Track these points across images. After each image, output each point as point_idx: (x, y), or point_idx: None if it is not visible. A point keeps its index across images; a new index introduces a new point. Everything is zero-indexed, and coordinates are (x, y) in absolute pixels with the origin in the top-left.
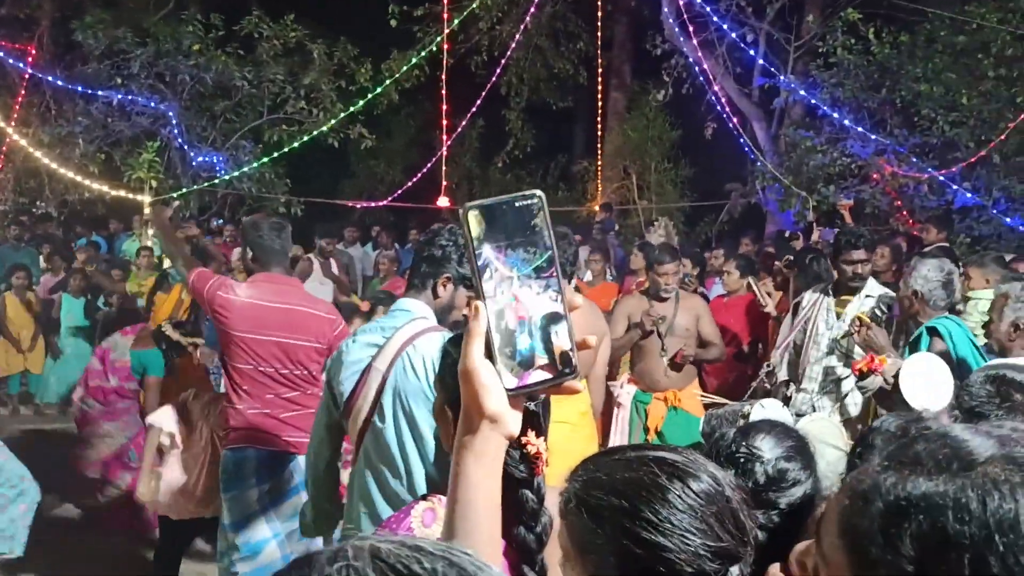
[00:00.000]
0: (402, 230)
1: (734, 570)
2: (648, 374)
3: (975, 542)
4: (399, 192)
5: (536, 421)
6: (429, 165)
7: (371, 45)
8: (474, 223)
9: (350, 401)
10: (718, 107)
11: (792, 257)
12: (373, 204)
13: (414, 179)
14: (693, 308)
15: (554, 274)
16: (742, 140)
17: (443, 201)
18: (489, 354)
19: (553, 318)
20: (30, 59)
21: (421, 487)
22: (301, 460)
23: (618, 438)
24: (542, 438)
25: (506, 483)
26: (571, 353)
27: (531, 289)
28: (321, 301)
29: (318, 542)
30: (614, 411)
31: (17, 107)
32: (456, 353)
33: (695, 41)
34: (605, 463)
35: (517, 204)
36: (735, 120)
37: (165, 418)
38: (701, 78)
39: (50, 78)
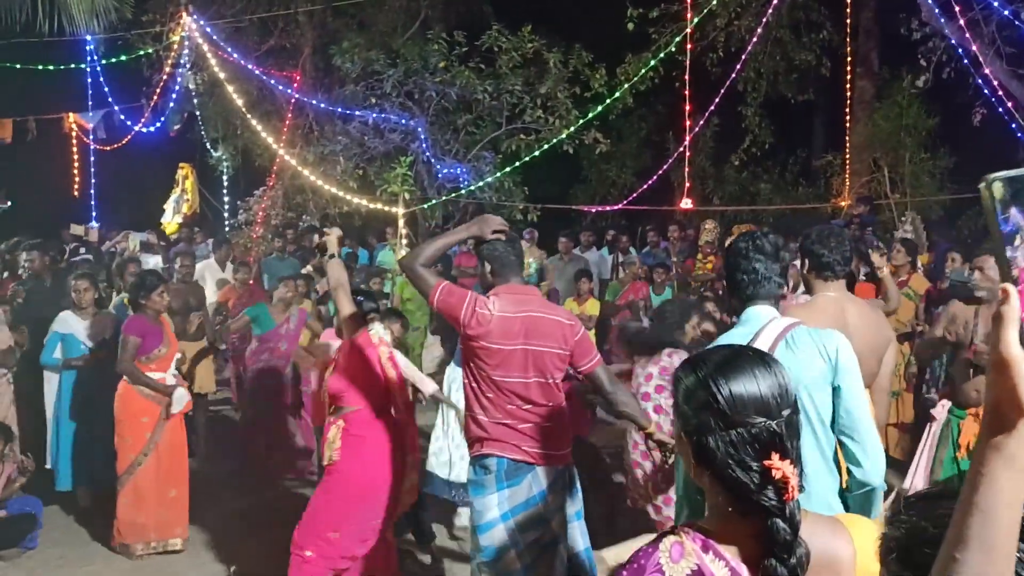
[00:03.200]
0: (635, 233)
1: None
2: (959, 388)
3: None
4: (635, 195)
5: (779, 442)
6: (666, 167)
7: (604, 51)
8: (998, 191)
9: None
10: (987, 91)
11: None
12: (610, 208)
13: (650, 181)
14: None
15: None
16: (1014, 126)
17: (686, 203)
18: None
19: None
20: (295, 85)
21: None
22: (540, 471)
23: (925, 455)
24: (788, 460)
25: (752, 510)
26: None
27: None
28: (560, 308)
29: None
30: (926, 426)
31: (285, 129)
32: (687, 379)
33: (961, 21)
34: (930, 513)
35: None
36: (1009, 104)
37: None
38: (966, 61)
39: (313, 101)
